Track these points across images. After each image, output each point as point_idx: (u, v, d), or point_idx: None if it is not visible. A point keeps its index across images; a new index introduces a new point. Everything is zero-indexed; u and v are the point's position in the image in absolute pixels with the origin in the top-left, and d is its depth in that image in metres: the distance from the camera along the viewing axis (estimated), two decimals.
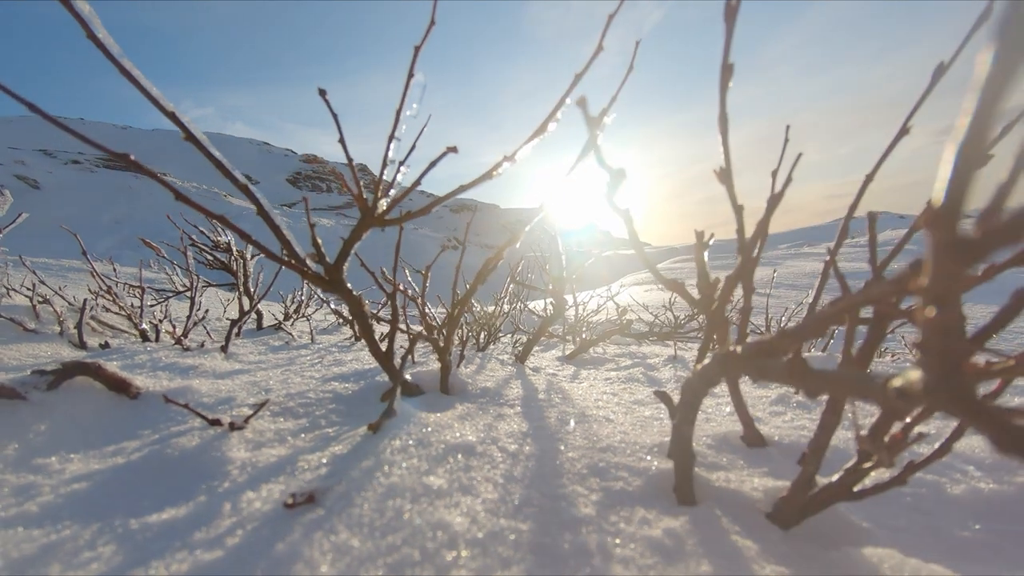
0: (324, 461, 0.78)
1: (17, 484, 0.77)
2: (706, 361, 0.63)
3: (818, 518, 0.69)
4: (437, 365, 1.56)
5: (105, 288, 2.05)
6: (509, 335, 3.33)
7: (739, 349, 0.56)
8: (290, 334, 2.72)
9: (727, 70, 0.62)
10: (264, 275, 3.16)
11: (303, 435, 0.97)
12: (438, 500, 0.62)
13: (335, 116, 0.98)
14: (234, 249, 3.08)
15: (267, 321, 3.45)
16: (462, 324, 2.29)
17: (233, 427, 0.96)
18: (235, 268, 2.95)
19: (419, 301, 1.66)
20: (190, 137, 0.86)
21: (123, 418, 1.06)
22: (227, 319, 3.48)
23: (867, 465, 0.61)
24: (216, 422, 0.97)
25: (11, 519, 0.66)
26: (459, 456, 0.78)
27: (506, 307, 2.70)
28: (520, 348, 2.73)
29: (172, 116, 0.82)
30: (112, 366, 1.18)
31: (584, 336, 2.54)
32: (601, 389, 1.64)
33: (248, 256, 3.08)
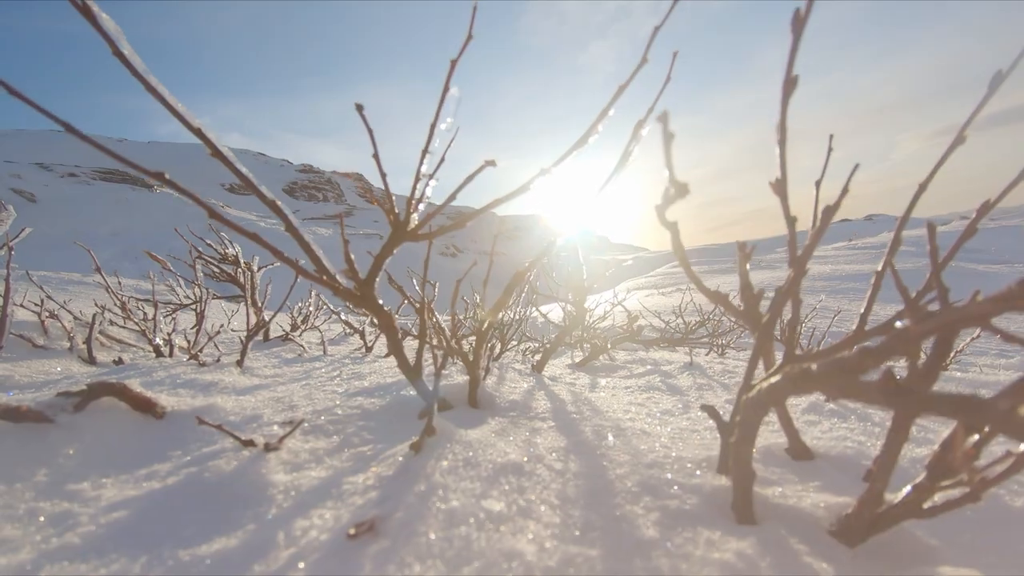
0: (371, 484, 0.76)
1: (53, 513, 0.75)
2: (773, 379, 0.62)
3: (884, 536, 0.68)
4: (460, 378, 1.54)
5: (120, 303, 2.02)
6: (516, 342, 3.31)
7: (815, 367, 0.55)
8: (301, 346, 2.69)
9: (790, 82, 0.62)
10: (272, 287, 3.13)
11: (339, 455, 0.94)
12: (502, 526, 0.60)
13: (371, 132, 0.98)
14: (241, 261, 3.05)
15: (273, 332, 3.41)
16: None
17: (268, 448, 0.93)
18: (242, 280, 2.92)
19: (431, 311, 1.64)
20: (216, 153, 0.85)
21: (152, 439, 1.03)
22: (232, 330, 3.44)
23: (946, 483, 0.59)
24: (250, 443, 0.95)
25: (54, 552, 0.64)
26: (510, 476, 0.76)
27: (517, 315, 2.69)
28: (532, 356, 2.71)
29: (199, 132, 0.81)
30: (136, 385, 1.15)
31: (595, 343, 2.52)
32: (625, 399, 1.62)
33: (255, 268, 3.06)
